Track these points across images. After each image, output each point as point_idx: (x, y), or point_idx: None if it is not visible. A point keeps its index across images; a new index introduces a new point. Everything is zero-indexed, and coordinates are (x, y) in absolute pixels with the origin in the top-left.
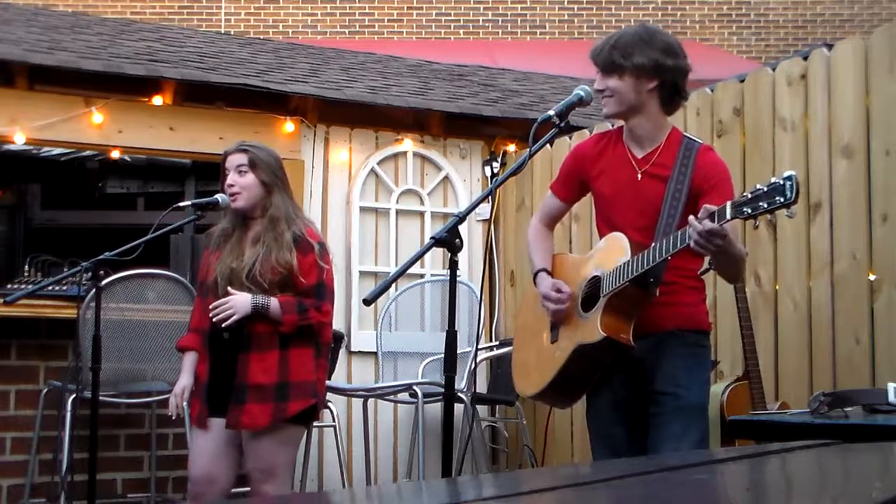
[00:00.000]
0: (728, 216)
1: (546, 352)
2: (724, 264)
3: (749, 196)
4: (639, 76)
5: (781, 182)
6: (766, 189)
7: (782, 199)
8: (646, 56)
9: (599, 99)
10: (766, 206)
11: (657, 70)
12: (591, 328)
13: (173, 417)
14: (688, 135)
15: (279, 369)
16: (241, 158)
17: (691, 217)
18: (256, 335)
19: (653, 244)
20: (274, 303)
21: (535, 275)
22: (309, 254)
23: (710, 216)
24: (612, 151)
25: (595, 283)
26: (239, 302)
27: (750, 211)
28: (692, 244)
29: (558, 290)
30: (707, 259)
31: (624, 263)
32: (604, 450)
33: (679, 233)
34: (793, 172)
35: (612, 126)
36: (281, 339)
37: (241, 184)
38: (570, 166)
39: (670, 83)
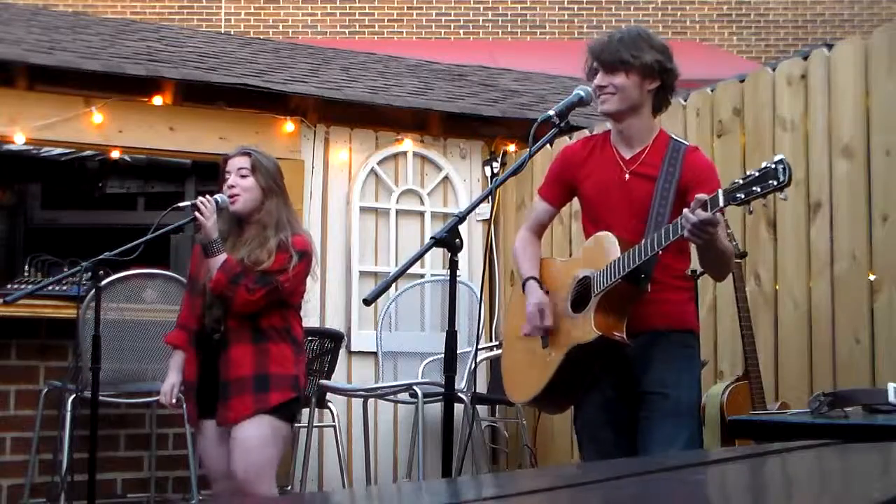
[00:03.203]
0: (721, 203)
1: (538, 356)
2: (711, 260)
3: (741, 182)
4: (644, 76)
5: (773, 166)
6: (757, 174)
7: (776, 183)
8: (652, 56)
9: (598, 96)
10: (759, 190)
11: (661, 71)
12: (585, 328)
13: (177, 407)
14: (675, 136)
15: (255, 361)
16: (244, 161)
17: (685, 210)
18: (228, 329)
19: (644, 239)
20: (223, 255)
21: (524, 283)
22: (284, 255)
23: (703, 205)
24: (599, 153)
25: (585, 283)
26: (210, 220)
27: (743, 196)
28: (685, 234)
29: (542, 312)
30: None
31: (615, 260)
32: (592, 453)
33: (671, 225)
34: (782, 156)
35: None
36: (253, 334)
37: (241, 185)
38: (558, 169)
39: (668, 86)
